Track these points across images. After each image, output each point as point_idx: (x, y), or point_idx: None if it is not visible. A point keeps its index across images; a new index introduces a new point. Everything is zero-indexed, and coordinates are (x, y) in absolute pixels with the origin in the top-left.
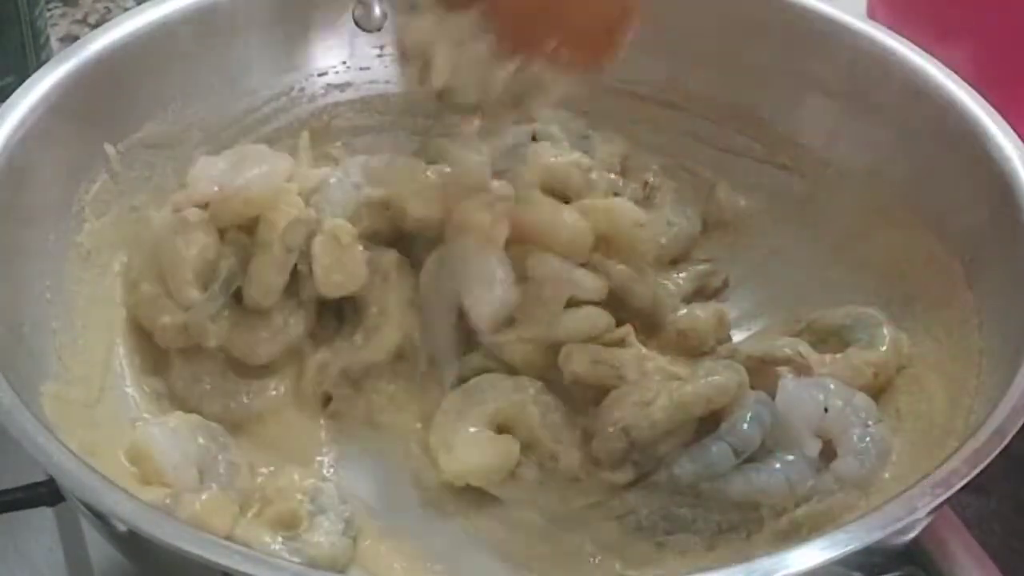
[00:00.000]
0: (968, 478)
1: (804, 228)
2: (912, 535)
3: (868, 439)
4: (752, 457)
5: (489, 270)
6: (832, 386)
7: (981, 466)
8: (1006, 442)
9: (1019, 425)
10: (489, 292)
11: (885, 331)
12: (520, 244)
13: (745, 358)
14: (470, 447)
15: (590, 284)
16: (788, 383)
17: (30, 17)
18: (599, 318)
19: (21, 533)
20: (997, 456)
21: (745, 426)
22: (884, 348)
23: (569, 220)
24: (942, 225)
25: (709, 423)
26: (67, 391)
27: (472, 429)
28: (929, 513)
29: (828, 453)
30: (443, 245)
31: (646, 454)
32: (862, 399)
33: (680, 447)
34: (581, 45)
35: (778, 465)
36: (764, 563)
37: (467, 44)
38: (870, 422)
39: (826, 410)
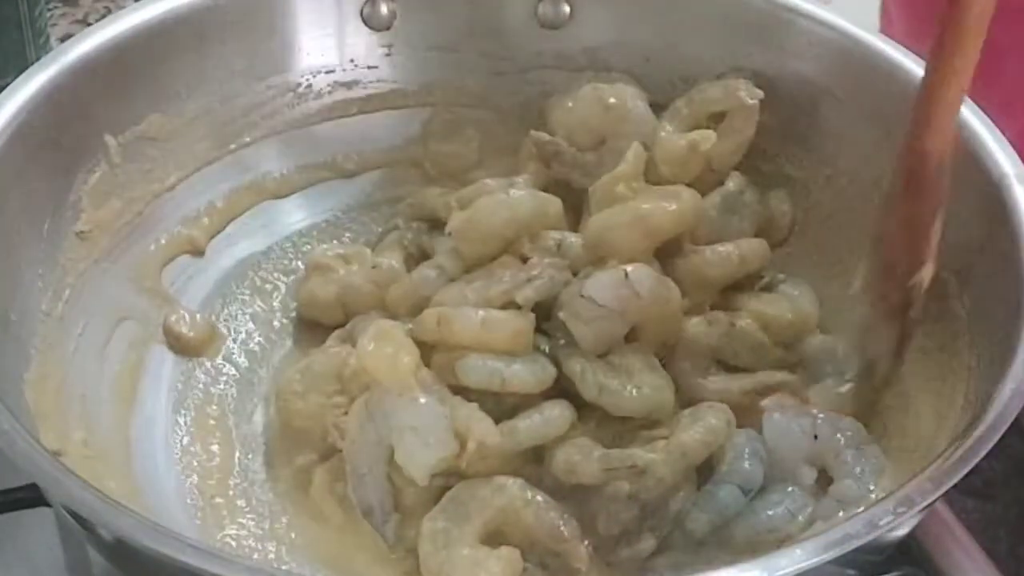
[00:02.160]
0: (959, 476)
1: (806, 240)
2: (903, 531)
3: (863, 460)
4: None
5: (421, 419)
6: (818, 414)
7: (972, 463)
8: (998, 437)
9: (1011, 420)
10: (424, 446)
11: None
12: (448, 352)
13: (740, 394)
14: (473, 571)
15: (529, 378)
16: (774, 416)
17: (30, 17)
18: (560, 417)
19: (21, 533)
20: (999, 461)
21: (747, 464)
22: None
23: (501, 318)
24: (940, 240)
25: (702, 470)
26: (53, 373)
27: (467, 551)
28: (921, 510)
29: (823, 480)
30: (367, 392)
31: (659, 516)
32: (849, 423)
33: (689, 500)
34: None
35: (777, 498)
36: (760, 564)
37: None
38: (861, 444)
39: (816, 437)
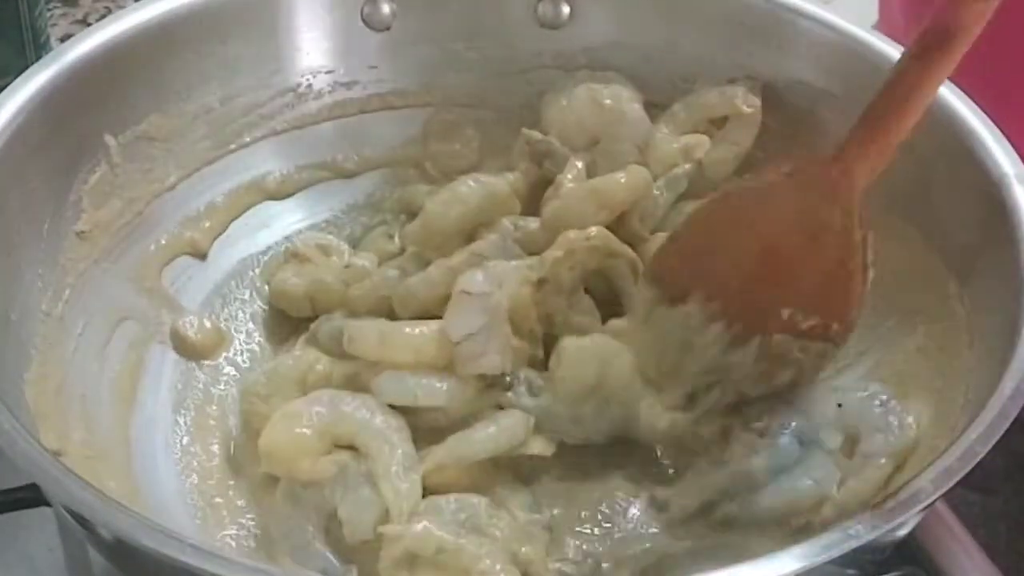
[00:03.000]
0: (959, 476)
1: None
2: (905, 531)
3: (889, 415)
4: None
5: (357, 496)
6: (844, 382)
7: (972, 463)
8: (998, 437)
9: (1011, 420)
10: (369, 504)
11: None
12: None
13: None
14: None
15: (440, 393)
16: (796, 396)
17: (30, 17)
18: (515, 426)
19: (21, 533)
20: (1000, 455)
21: (804, 419)
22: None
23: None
24: (939, 241)
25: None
26: (53, 373)
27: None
28: (921, 510)
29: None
30: (283, 481)
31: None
32: (876, 386)
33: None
34: (815, 308)
35: (800, 470)
36: (759, 564)
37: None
38: (885, 397)
39: (840, 405)
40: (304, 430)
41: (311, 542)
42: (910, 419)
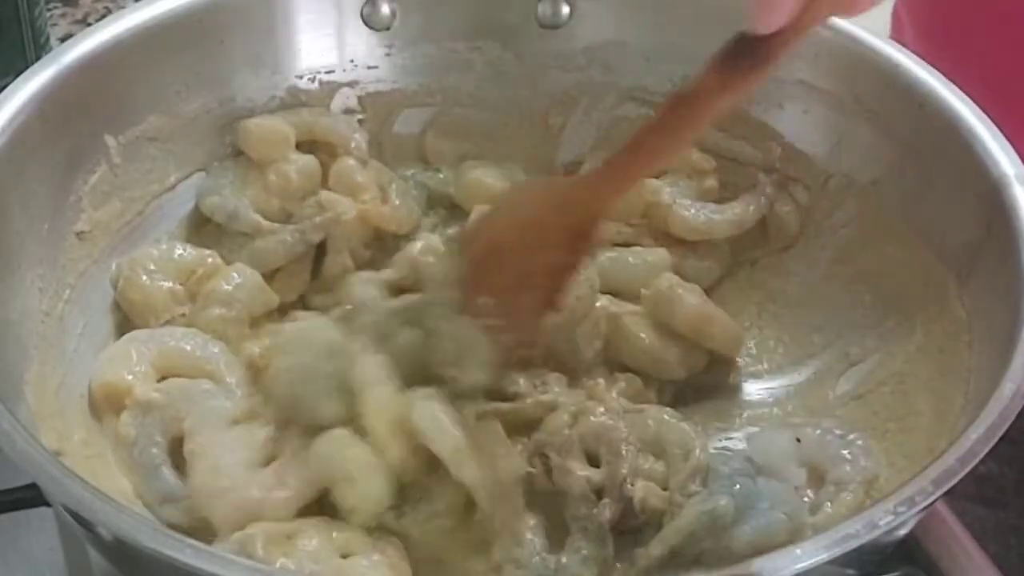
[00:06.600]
0: (959, 476)
1: (805, 239)
2: (903, 531)
3: (850, 448)
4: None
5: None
6: (797, 421)
7: (972, 464)
8: (998, 437)
9: (1011, 420)
10: (212, 416)
11: None
12: None
13: None
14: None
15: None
16: (753, 433)
17: (30, 17)
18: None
19: (21, 533)
20: (1011, 469)
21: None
22: None
23: None
24: (939, 241)
25: None
26: (53, 373)
27: None
28: (921, 511)
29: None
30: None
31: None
32: (830, 422)
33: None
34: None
35: (767, 505)
36: (759, 564)
37: None
38: (839, 432)
39: (798, 440)
40: (134, 362)
41: (159, 467)
42: (865, 451)
